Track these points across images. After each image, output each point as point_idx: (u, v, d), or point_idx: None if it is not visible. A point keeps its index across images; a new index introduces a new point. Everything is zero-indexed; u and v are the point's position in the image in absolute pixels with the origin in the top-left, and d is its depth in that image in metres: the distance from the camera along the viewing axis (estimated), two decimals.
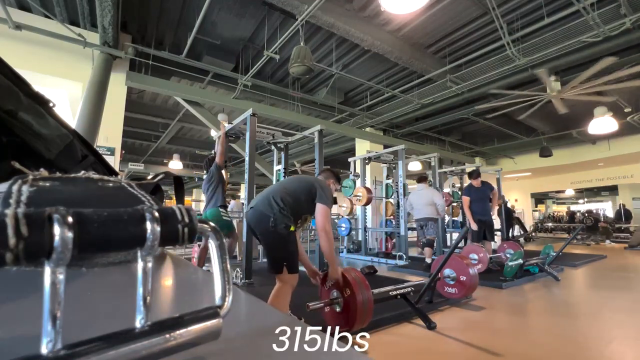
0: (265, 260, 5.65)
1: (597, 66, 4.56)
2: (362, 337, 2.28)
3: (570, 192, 16.72)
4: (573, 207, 17.21)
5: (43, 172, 0.29)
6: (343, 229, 6.82)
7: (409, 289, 2.66)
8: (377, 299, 2.41)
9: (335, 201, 2.63)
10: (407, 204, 5.51)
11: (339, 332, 2.16)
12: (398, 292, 2.59)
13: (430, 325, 2.42)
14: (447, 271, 3.05)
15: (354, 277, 2.14)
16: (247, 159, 4.00)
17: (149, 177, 0.49)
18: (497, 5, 4.26)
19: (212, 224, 0.26)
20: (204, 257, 3.88)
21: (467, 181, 8.67)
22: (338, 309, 2.18)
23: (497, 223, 6.89)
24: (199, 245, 4.19)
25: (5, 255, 0.15)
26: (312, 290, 2.61)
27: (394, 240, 7.10)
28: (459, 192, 8.18)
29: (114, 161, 4.95)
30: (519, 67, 5.38)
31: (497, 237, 8.76)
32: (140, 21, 5.18)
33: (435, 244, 5.35)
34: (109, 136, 4.96)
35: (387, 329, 2.45)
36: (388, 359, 1.99)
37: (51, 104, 0.60)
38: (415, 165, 10.21)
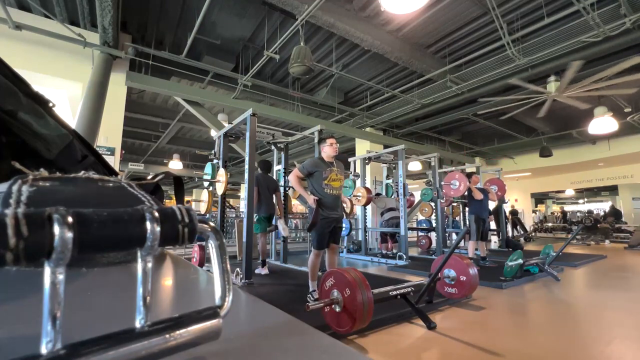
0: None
1: (625, 64, 4.48)
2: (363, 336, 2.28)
3: (570, 192, 16.71)
4: (567, 208, 17.26)
5: (43, 172, 0.29)
6: (343, 229, 6.81)
7: (409, 289, 2.66)
8: (377, 299, 2.41)
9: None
10: None
11: (340, 333, 2.16)
12: (398, 292, 2.58)
13: (430, 325, 2.42)
14: (447, 271, 3.05)
15: (354, 277, 2.14)
16: (247, 159, 3.99)
17: (149, 177, 0.49)
18: (497, 5, 4.26)
19: (212, 224, 0.26)
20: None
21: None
22: (338, 309, 2.17)
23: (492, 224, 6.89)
24: (199, 245, 4.19)
25: (5, 255, 0.15)
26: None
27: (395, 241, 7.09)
28: None
29: (114, 161, 4.95)
30: (519, 67, 5.38)
31: (494, 237, 8.78)
32: (140, 21, 5.18)
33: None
34: (109, 136, 4.96)
35: (387, 329, 2.45)
36: (388, 359, 1.99)
37: (51, 104, 0.60)
38: (415, 165, 10.21)
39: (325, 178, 2.97)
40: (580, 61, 4.63)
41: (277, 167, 5.52)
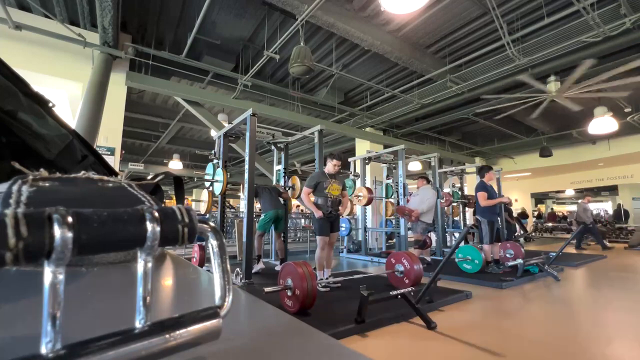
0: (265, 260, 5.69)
1: (627, 66, 4.50)
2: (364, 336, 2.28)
3: (570, 192, 16.71)
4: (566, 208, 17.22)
5: (43, 172, 0.29)
6: (343, 229, 6.82)
7: (409, 289, 2.67)
8: (378, 299, 2.46)
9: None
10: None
11: (290, 312, 2.44)
12: (398, 292, 2.61)
13: (431, 326, 2.42)
14: (397, 266, 3.55)
15: (304, 270, 2.58)
16: (247, 159, 3.99)
17: (149, 177, 0.49)
18: (497, 5, 4.26)
19: (212, 224, 0.26)
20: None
21: (467, 181, 8.69)
22: (289, 293, 2.67)
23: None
24: (199, 245, 4.20)
25: (5, 255, 0.15)
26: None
27: (394, 240, 7.09)
28: (459, 192, 8.17)
29: (114, 161, 4.95)
30: (519, 67, 5.38)
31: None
32: (140, 21, 5.18)
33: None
34: (109, 136, 4.96)
35: (387, 329, 2.45)
36: (388, 359, 1.99)
37: (51, 104, 0.60)
38: (415, 165, 10.21)
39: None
40: (592, 60, 4.66)
41: (277, 167, 5.52)
